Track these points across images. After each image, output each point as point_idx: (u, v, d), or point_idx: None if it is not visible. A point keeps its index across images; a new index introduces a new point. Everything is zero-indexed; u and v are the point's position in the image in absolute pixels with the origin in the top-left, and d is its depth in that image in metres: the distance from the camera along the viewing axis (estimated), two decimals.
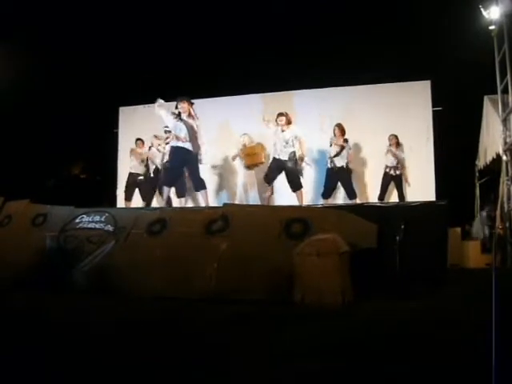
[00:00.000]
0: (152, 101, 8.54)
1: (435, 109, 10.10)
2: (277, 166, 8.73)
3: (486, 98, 10.27)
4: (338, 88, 10.66)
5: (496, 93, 8.99)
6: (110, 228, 6.91)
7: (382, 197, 9.41)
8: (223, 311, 4.90)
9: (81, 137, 13.78)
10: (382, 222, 5.91)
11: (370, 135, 9.93)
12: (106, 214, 7.12)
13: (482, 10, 8.89)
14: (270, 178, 8.86)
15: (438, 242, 6.03)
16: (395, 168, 9.41)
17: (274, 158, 8.76)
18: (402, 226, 5.86)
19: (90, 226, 7.03)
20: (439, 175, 9.81)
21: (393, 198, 9.58)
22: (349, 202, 9.02)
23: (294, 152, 8.62)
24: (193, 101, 8.19)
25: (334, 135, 9.17)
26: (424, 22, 11.30)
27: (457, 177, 12.01)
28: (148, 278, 6.04)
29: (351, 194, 9.11)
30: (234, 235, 6.21)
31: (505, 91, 8.62)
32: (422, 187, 9.45)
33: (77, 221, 7.16)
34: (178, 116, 8.02)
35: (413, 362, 3.07)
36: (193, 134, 7.99)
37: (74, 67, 12.83)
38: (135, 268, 6.21)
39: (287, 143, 8.61)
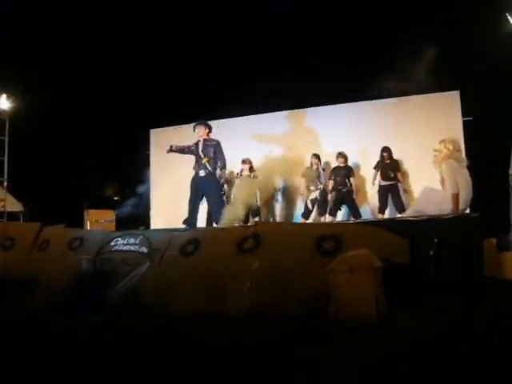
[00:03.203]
0: (181, 122, 8.77)
1: (465, 119, 9.99)
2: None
3: None
4: (366, 102, 10.63)
5: None
6: (144, 250, 7.01)
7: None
8: (254, 327, 4.97)
9: (114, 159, 14.07)
10: (414, 235, 5.88)
11: (403, 149, 9.88)
12: (141, 237, 7.24)
13: (508, 18, 8.82)
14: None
15: (472, 254, 5.96)
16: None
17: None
18: (436, 240, 5.81)
19: (125, 248, 7.15)
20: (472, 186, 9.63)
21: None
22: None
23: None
24: (222, 121, 8.37)
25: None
26: (452, 32, 11.21)
27: (490, 186, 11.79)
28: (182, 298, 6.10)
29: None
30: (265, 253, 6.23)
31: None
32: None
33: (112, 243, 7.30)
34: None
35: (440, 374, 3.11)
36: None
37: (106, 91, 13.14)
38: (170, 288, 6.29)
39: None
